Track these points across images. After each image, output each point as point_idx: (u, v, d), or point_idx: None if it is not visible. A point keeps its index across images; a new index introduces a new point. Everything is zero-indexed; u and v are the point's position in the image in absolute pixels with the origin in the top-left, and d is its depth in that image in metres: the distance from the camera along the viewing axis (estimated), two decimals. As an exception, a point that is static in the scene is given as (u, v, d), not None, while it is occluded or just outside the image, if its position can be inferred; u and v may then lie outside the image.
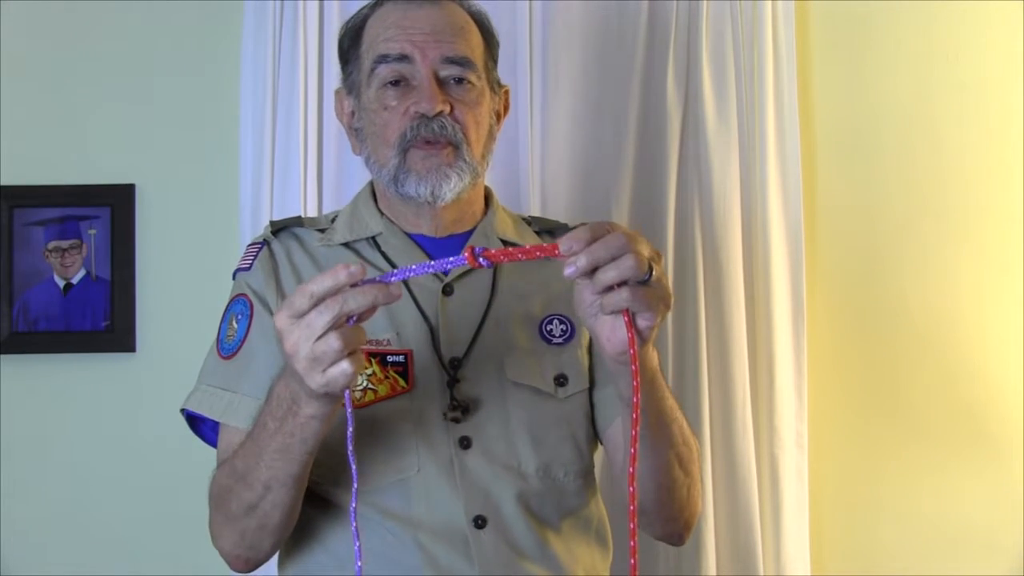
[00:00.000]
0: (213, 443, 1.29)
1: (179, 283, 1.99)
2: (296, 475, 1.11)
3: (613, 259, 0.96)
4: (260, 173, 1.91)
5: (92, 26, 2.00)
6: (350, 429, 0.99)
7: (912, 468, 2.05)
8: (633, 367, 0.99)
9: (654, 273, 0.98)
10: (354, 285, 0.96)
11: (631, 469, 0.98)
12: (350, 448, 1.00)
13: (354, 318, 0.97)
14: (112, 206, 1.97)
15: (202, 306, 1.93)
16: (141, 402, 1.96)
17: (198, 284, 1.96)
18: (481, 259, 0.97)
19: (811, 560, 1.96)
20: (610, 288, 0.97)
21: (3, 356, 1.95)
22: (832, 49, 2.08)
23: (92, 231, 1.97)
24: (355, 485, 1.01)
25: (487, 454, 1.22)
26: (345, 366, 0.96)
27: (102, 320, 1.96)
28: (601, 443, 1.33)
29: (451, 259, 0.99)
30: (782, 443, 1.95)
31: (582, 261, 0.95)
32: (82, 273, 1.97)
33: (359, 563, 1.02)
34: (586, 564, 1.27)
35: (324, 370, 0.96)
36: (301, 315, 0.96)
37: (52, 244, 1.96)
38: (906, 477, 2.05)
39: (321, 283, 0.96)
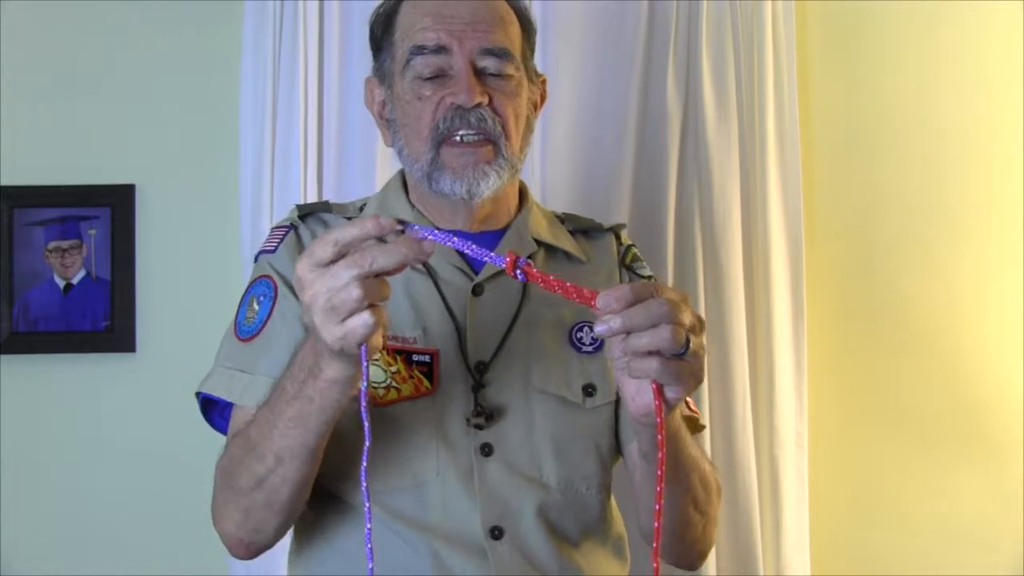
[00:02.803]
0: (223, 430, 1.25)
1: (179, 283, 1.98)
2: (311, 447, 1.06)
3: (651, 326, 0.90)
4: (260, 173, 1.91)
5: (92, 26, 2.00)
6: (364, 385, 0.95)
7: (912, 468, 2.05)
8: (659, 437, 0.94)
9: (691, 346, 0.92)
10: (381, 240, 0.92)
11: (656, 525, 0.94)
12: (363, 404, 0.95)
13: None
14: (112, 206, 1.97)
15: (202, 306, 1.94)
16: (141, 402, 1.96)
17: (198, 284, 1.96)
18: (518, 271, 0.93)
19: (811, 560, 1.96)
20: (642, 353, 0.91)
21: (3, 356, 1.95)
22: (832, 49, 2.08)
23: (92, 231, 1.97)
24: (367, 443, 0.95)
25: (508, 464, 1.19)
26: (366, 317, 0.91)
27: (102, 320, 1.96)
28: (622, 456, 1.30)
29: (492, 255, 0.94)
30: (782, 443, 1.95)
31: (616, 323, 0.90)
32: (82, 273, 1.97)
33: (370, 561, 0.97)
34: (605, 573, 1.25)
35: (343, 320, 0.91)
36: (324, 264, 0.92)
37: (52, 244, 1.96)
38: (906, 477, 2.05)
39: (348, 232, 0.91)
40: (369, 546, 0.97)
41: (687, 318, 0.92)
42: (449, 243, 0.95)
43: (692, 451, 1.16)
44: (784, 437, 1.95)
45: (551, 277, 0.93)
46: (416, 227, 0.94)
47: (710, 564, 1.90)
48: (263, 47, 1.92)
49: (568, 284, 0.93)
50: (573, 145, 1.98)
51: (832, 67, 2.08)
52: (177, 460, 1.93)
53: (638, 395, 0.98)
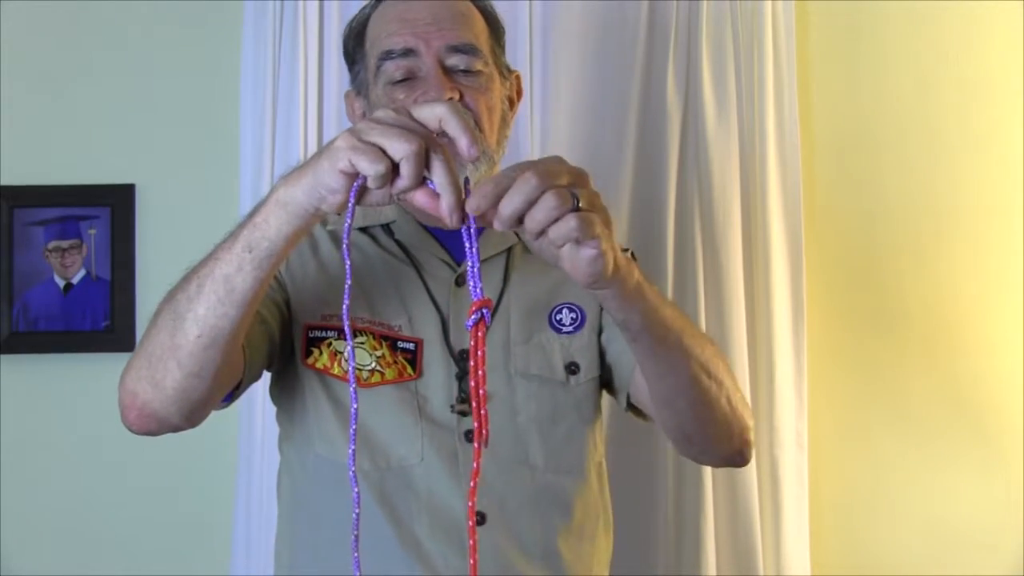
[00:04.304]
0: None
1: (179, 283, 1.98)
2: (233, 286, 1.00)
3: (531, 203, 0.89)
4: (260, 173, 1.91)
5: (92, 26, 2.00)
6: (350, 217, 0.91)
7: (912, 468, 2.05)
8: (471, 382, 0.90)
9: (581, 202, 0.91)
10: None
11: (472, 483, 0.89)
12: (347, 228, 0.91)
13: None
14: (112, 206, 1.97)
15: (202, 306, 1.94)
16: (141, 402, 1.96)
17: (198, 284, 1.96)
18: (474, 316, 0.89)
19: (811, 560, 1.96)
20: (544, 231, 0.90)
21: (3, 356, 1.95)
22: (832, 49, 2.08)
23: (92, 231, 1.97)
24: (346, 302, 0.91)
25: (493, 448, 1.18)
26: (383, 163, 0.88)
27: (102, 320, 1.96)
28: (633, 408, 1.29)
29: (478, 289, 0.91)
30: (782, 443, 1.95)
31: (498, 221, 0.89)
32: (82, 273, 1.97)
33: (356, 507, 0.92)
34: (588, 563, 1.26)
35: (368, 147, 0.88)
36: (406, 121, 0.89)
37: (52, 244, 1.96)
38: (906, 477, 2.05)
39: (458, 122, 0.89)
40: (356, 494, 0.93)
41: (563, 178, 0.91)
42: (469, 249, 0.90)
43: (669, 311, 1.09)
44: (784, 437, 1.95)
45: (480, 352, 0.89)
46: (471, 200, 0.91)
47: (710, 564, 1.90)
48: (263, 47, 1.92)
49: (481, 371, 0.89)
50: (573, 145, 1.98)
51: (832, 67, 2.08)
52: (176, 460, 1.93)
53: (573, 268, 0.93)
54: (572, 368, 1.27)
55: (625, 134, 1.97)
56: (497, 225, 0.90)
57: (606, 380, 1.31)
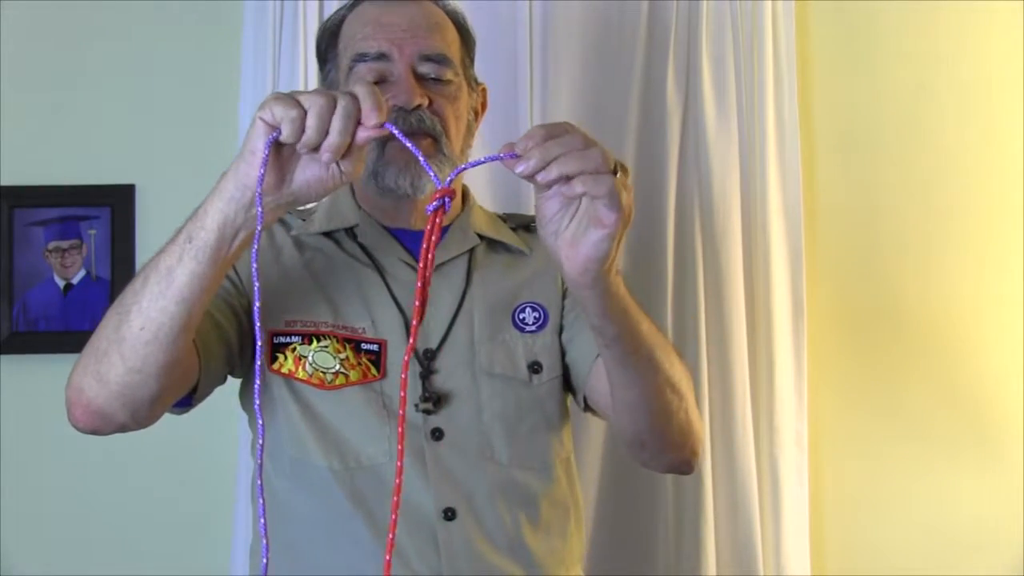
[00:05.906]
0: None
1: (179, 283, 1.98)
2: (173, 274, 1.02)
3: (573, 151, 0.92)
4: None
5: (92, 26, 2.00)
6: (262, 167, 0.96)
7: (912, 468, 2.05)
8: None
9: (618, 172, 0.93)
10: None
11: (398, 472, 0.94)
12: (259, 189, 0.96)
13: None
14: (112, 206, 1.97)
15: (202, 306, 1.94)
16: (141, 402, 1.96)
17: (198, 284, 1.96)
18: (435, 202, 0.93)
19: (811, 560, 1.96)
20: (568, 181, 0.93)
21: (3, 356, 1.95)
22: (832, 49, 2.08)
23: (92, 231, 1.97)
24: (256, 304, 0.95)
25: (459, 446, 1.23)
26: (293, 110, 0.94)
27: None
28: (592, 409, 1.31)
29: (436, 177, 0.96)
30: (782, 443, 1.95)
31: (535, 156, 0.92)
32: (82, 273, 1.97)
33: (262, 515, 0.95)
34: (560, 558, 1.28)
35: (292, 112, 0.93)
36: (328, 102, 0.94)
37: (52, 244, 1.96)
38: (906, 477, 2.05)
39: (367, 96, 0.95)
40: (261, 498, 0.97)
41: (609, 152, 0.94)
42: (409, 145, 0.96)
43: (647, 324, 1.13)
44: (784, 437, 1.95)
45: (434, 238, 0.93)
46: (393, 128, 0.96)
47: (710, 564, 1.90)
48: (263, 47, 1.92)
49: (431, 255, 0.93)
50: (573, 145, 1.98)
51: (832, 67, 2.08)
52: (176, 460, 1.93)
53: (572, 249, 0.97)
54: (535, 367, 1.28)
55: (625, 134, 1.97)
56: (520, 168, 0.92)
57: (566, 380, 1.33)
